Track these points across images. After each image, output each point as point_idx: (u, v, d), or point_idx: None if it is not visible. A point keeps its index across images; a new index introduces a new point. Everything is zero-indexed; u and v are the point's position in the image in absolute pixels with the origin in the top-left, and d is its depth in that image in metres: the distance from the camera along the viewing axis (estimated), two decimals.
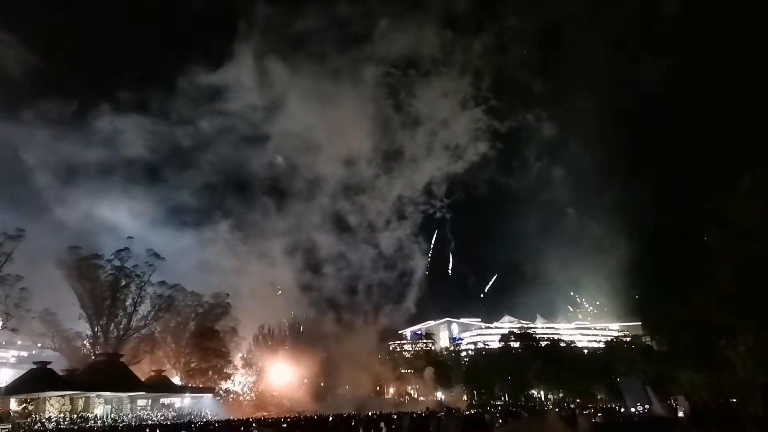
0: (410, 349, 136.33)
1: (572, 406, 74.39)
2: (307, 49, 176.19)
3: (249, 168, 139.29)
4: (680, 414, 36.75)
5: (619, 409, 57.36)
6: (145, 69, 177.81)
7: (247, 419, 45.97)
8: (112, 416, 53.18)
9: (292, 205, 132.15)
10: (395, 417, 37.27)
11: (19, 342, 76.20)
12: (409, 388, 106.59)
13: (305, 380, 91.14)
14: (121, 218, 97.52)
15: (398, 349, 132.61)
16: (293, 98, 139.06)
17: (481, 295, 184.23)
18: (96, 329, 67.22)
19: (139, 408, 58.84)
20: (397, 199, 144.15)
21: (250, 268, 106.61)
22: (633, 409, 52.36)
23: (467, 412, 59.16)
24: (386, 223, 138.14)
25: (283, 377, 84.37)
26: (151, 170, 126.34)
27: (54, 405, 50.32)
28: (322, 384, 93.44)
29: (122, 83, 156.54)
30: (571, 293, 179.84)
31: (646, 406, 48.77)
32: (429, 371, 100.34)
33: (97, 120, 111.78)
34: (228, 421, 42.98)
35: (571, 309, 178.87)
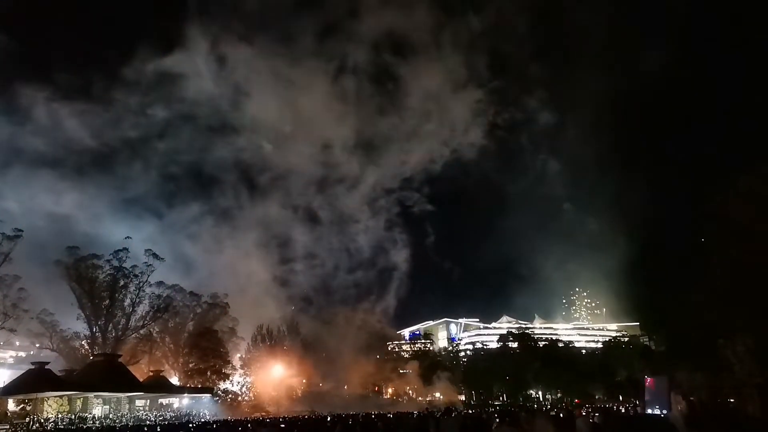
0: (408, 349, 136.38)
1: (568, 407, 74.47)
2: (275, 30, 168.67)
3: (216, 159, 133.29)
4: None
5: (618, 408, 57.37)
6: (91, 54, 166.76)
7: (245, 419, 45.88)
8: (111, 417, 53.00)
9: (274, 198, 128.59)
10: (393, 417, 37.29)
11: (17, 342, 76.14)
12: (408, 388, 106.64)
13: (303, 380, 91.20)
14: (72, 209, 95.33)
15: (396, 350, 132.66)
16: (261, 84, 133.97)
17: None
18: (94, 329, 67.12)
19: (137, 408, 58.71)
20: (386, 192, 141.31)
21: (237, 265, 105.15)
22: (650, 410, 52.16)
23: (465, 412, 59.17)
24: (377, 220, 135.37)
25: (281, 377, 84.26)
26: (104, 161, 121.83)
27: (52, 405, 50.21)
28: (321, 384, 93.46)
29: (65, 68, 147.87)
30: (569, 294, 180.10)
31: (665, 411, 48.63)
32: (427, 371, 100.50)
33: (38, 106, 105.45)
34: (226, 421, 42.88)
35: (571, 310, 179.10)
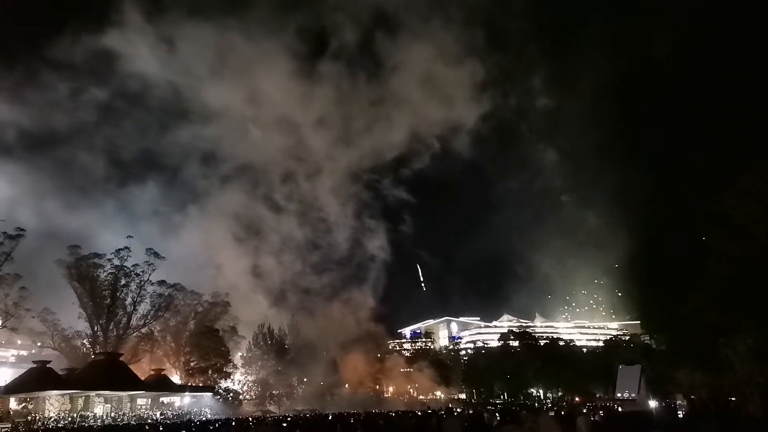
0: (409, 348, 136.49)
1: (568, 404, 74.49)
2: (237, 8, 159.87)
3: (173, 146, 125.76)
4: (679, 413, 36.88)
5: (614, 405, 57.43)
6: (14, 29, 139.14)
7: (247, 418, 45.99)
8: (112, 415, 53.16)
9: (271, 192, 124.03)
10: (394, 416, 37.38)
11: (19, 341, 76.22)
12: (409, 387, 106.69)
13: (305, 379, 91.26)
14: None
15: (397, 348, 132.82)
16: (219, 64, 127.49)
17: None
18: (96, 328, 67.17)
19: (138, 407, 58.80)
20: (378, 187, 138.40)
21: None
22: (619, 395, 52.69)
23: (467, 411, 59.21)
24: (369, 215, 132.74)
25: (283, 376, 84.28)
26: (42, 147, 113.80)
27: (54, 404, 50.37)
28: (322, 383, 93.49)
29: None
30: (570, 292, 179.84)
31: (633, 395, 49.17)
32: (428, 370, 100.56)
33: None
34: (228, 420, 42.99)
35: (572, 308, 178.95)
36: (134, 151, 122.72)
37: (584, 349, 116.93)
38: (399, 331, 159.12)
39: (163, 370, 67.01)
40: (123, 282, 68.81)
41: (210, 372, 71.55)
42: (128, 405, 57.70)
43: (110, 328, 67.63)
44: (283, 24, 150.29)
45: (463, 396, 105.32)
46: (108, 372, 54.96)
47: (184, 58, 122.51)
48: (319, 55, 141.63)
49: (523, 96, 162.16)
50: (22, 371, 55.37)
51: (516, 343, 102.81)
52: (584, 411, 35.78)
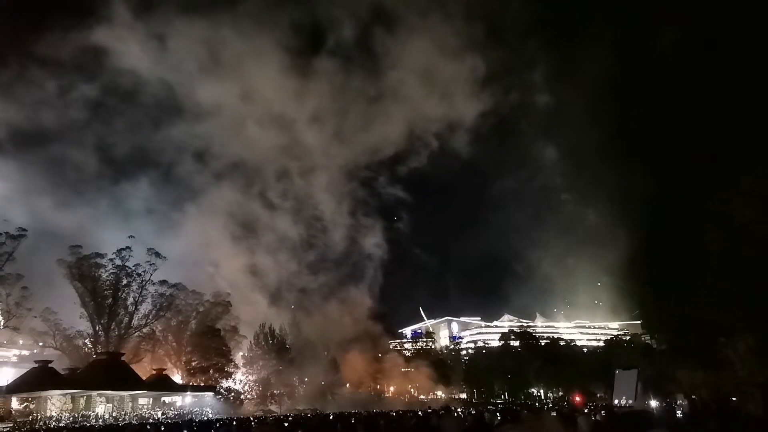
0: (410, 347, 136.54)
1: (567, 404, 74.52)
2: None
3: (166, 144, 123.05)
4: (678, 413, 36.88)
5: (614, 406, 57.49)
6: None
7: (248, 418, 46.09)
8: (113, 415, 53.27)
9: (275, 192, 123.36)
10: (395, 415, 37.48)
11: (21, 341, 76.19)
12: (409, 386, 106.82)
13: (305, 378, 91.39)
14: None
15: (398, 348, 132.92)
16: (211, 60, 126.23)
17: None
18: (97, 328, 67.27)
19: (140, 407, 58.92)
20: (376, 186, 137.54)
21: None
22: (616, 401, 52.57)
23: (466, 411, 59.25)
24: (367, 214, 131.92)
25: (284, 375, 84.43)
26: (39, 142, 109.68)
27: (55, 404, 50.47)
28: (323, 382, 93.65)
29: None
30: (571, 292, 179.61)
31: (630, 401, 49.12)
32: (429, 370, 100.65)
33: None
34: (229, 419, 43.07)
35: (569, 307, 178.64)
36: (127, 149, 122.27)
37: (585, 349, 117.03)
38: (400, 331, 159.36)
39: (164, 369, 67.08)
40: (124, 282, 68.93)
41: (211, 372, 71.67)
42: (130, 405, 57.81)
43: (112, 327, 67.71)
44: (277, 19, 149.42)
45: (463, 396, 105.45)
46: (109, 372, 55.09)
47: (176, 55, 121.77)
48: (315, 51, 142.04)
49: (522, 92, 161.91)
50: (23, 371, 55.41)
51: (516, 343, 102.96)
52: (585, 411, 35.84)
